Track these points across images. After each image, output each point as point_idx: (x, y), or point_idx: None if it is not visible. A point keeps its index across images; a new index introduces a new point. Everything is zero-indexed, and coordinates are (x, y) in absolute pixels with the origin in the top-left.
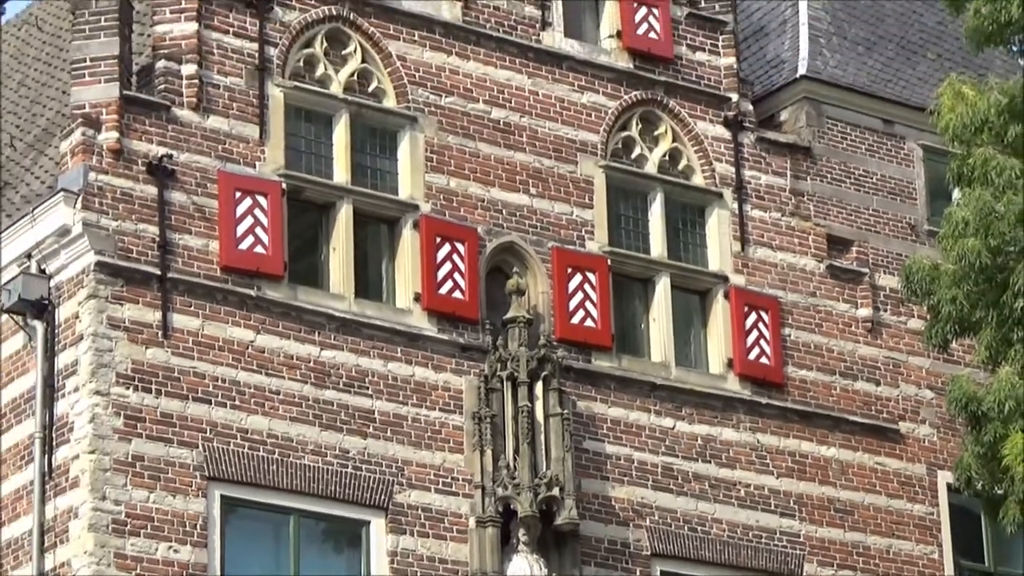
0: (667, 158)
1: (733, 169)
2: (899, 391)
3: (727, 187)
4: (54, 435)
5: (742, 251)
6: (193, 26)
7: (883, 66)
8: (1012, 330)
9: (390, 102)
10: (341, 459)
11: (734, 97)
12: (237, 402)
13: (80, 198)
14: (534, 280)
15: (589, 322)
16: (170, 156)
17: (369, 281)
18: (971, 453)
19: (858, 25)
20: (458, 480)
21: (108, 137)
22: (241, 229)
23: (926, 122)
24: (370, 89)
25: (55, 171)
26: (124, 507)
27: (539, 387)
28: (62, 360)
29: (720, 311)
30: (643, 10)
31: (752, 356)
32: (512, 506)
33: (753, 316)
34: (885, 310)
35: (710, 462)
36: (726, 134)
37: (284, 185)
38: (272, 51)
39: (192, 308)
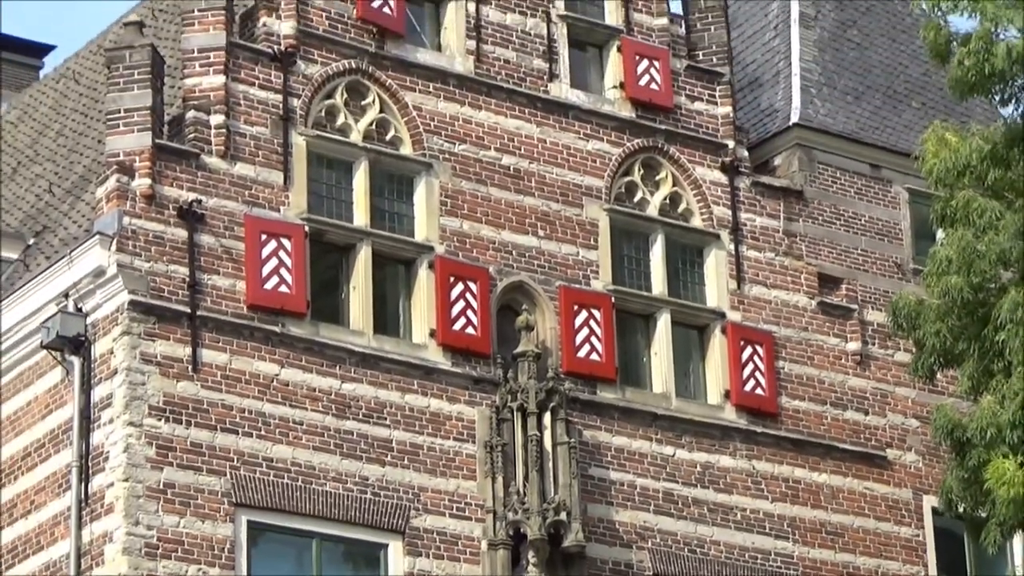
0: (667, 201)
1: (730, 212)
2: (887, 420)
3: (724, 229)
4: (90, 464)
5: (738, 289)
6: (221, 79)
7: (871, 114)
8: (993, 361)
9: (407, 149)
10: (361, 486)
11: (730, 144)
12: (263, 432)
13: (115, 241)
14: (542, 317)
15: (594, 356)
16: (199, 201)
17: (387, 318)
18: (955, 477)
19: (847, 76)
20: (471, 505)
21: (141, 183)
22: (267, 270)
23: (911, 167)
24: (388, 137)
25: (91, 215)
26: (156, 532)
27: (547, 417)
28: (97, 393)
29: (718, 345)
30: (645, 62)
31: (748, 387)
32: (522, 530)
33: (749, 350)
34: (873, 344)
35: (708, 488)
36: (723, 179)
37: (307, 228)
38: (295, 102)
39: (220, 344)
